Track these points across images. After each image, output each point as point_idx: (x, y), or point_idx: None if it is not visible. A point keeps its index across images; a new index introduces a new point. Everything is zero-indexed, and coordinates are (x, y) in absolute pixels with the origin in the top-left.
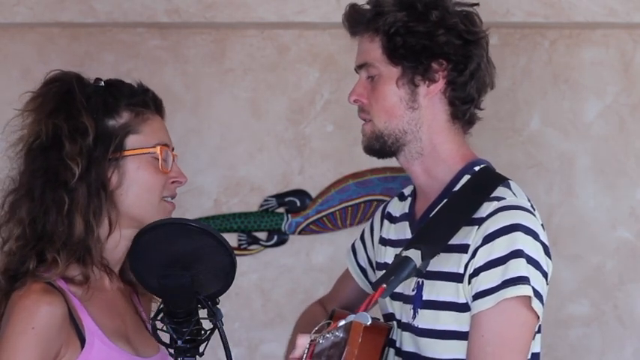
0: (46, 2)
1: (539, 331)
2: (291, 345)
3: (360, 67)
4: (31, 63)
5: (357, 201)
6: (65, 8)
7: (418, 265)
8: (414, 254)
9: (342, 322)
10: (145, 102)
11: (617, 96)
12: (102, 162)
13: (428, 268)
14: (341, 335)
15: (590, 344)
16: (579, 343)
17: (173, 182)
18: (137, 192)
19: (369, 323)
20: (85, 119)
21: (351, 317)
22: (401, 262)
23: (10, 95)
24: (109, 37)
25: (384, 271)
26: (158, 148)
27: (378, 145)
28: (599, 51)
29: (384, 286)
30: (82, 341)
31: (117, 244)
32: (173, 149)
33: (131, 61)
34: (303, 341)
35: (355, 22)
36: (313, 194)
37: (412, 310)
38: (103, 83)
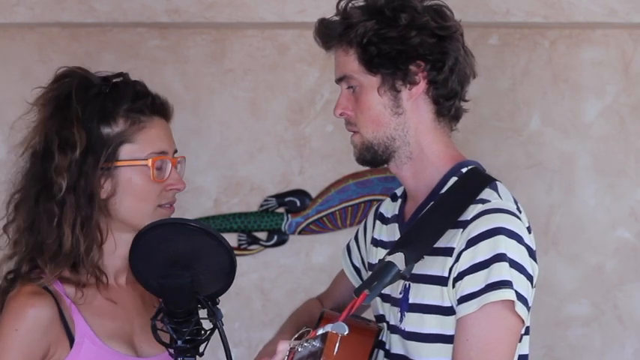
0: (46, 2)
1: (526, 333)
2: (271, 345)
3: (339, 80)
4: (31, 63)
5: (357, 201)
6: (65, 8)
7: (402, 270)
8: (398, 258)
9: (319, 332)
10: (142, 109)
11: (617, 96)
12: (92, 172)
13: (414, 271)
14: (318, 345)
15: (589, 344)
16: (579, 343)
17: (171, 189)
18: (131, 201)
19: (345, 333)
20: (76, 130)
21: (328, 327)
22: (384, 267)
23: (11, 95)
24: (109, 37)
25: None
26: (150, 160)
27: (370, 156)
28: (599, 51)
29: (367, 291)
30: (72, 341)
31: (114, 249)
32: (176, 151)
33: (131, 61)
34: (284, 347)
35: (327, 37)
36: (313, 194)
37: (399, 313)
38: (109, 84)
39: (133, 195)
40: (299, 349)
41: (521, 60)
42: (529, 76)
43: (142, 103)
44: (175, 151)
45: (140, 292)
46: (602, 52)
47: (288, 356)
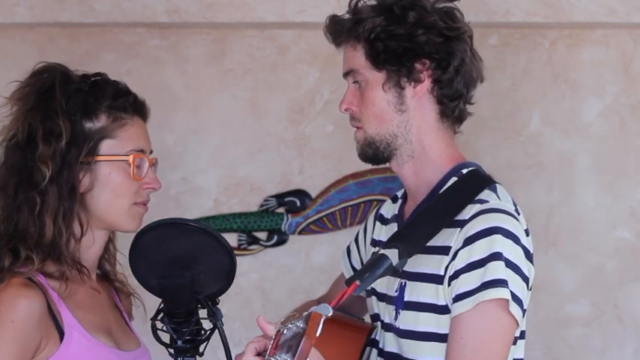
0: (46, 2)
1: (522, 337)
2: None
3: (346, 75)
4: (31, 63)
5: (357, 201)
6: (65, 8)
7: (394, 264)
8: (391, 252)
9: (305, 313)
10: (124, 106)
11: (617, 96)
12: (74, 165)
13: (410, 269)
14: (301, 326)
15: (590, 344)
16: (579, 343)
17: (147, 188)
18: (108, 197)
19: (329, 314)
20: (60, 121)
21: (312, 308)
22: (377, 259)
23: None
24: (109, 37)
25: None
26: (131, 156)
27: (371, 152)
28: (599, 51)
29: (358, 282)
30: (61, 334)
31: (91, 244)
32: (151, 152)
33: (131, 61)
34: (270, 332)
35: (336, 32)
36: (313, 194)
37: (394, 311)
38: (89, 80)
39: (110, 190)
40: (284, 332)
41: (521, 60)
42: (529, 76)
43: (124, 101)
44: (151, 152)
45: (106, 290)
46: (602, 52)
47: (274, 339)
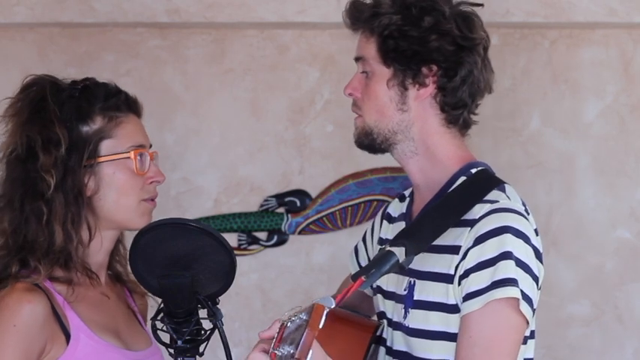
0: (46, 2)
1: (532, 337)
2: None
3: (356, 60)
4: (31, 63)
5: (357, 201)
6: (65, 8)
7: (401, 261)
8: (398, 249)
9: (307, 305)
10: (117, 105)
11: (617, 96)
12: (77, 170)
13: (420, 268)
14: (304, 318)
15: (590, 344)
16: (579, 343)
17: (151, 182)
18: (115, 196)
19: (332, 306)
20: (57, 129)
21: (315, 300)
22: (384, 255)
23: (10, 95)
24: (109, 37)
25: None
26: (131, 152)
27: (368, 142)
28: (599, 51)
29: (363, 277)
30: (67, 337)
31: (100, 247)
32: (151, 146)
33: (131, 61)
34: (276, 325)
35: (354, 18)
36: (313, 194)
37: (403, 310)
38: (80, 86)
39: (116, 189)
40: (288, 325)
41: (521, 60)
42: (529, 76)
43: (116, 100)
44: (150, 146)
45: (116, 291)
46: (602, 52)
47: (278, 333)
